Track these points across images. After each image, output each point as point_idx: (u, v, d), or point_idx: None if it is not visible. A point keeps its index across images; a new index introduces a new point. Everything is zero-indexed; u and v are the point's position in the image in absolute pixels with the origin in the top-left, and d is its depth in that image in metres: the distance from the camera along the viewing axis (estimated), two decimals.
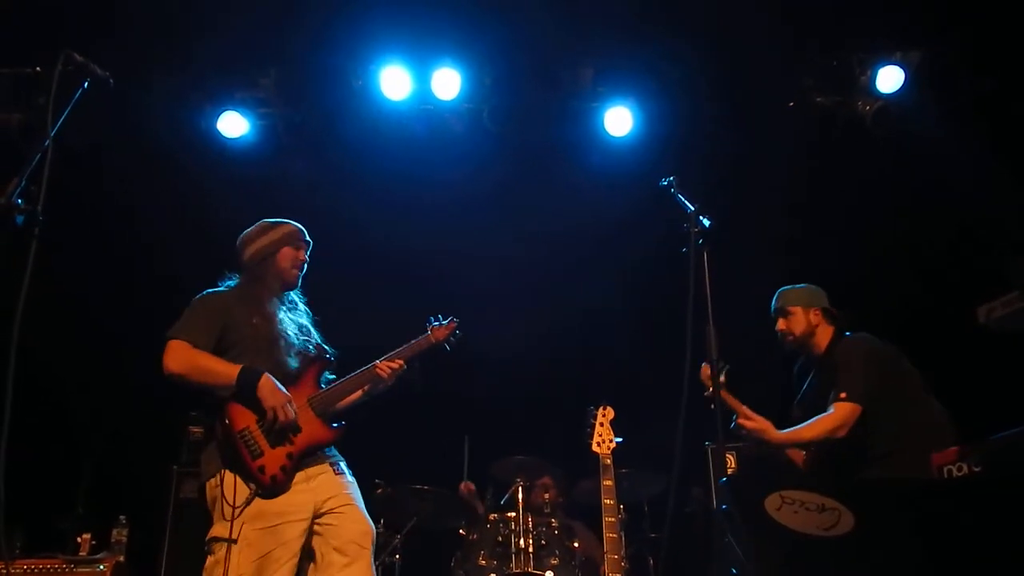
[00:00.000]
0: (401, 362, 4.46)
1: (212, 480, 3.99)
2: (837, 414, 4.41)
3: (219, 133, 6.88)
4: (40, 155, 2.95)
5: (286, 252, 4.45)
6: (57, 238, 3.15)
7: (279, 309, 4.35)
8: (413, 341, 4.61)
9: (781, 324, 4.92)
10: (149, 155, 6.79)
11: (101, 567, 5.70)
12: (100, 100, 3.26)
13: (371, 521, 4.14)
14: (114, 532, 6.04)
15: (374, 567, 4.05)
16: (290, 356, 4.23)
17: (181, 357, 4.04)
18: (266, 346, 4.18)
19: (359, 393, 4.47)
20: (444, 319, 4.75)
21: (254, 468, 3.92)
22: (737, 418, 4.50)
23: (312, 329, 4.51)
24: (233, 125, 6.89)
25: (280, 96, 6.87)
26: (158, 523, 6.15)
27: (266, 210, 6.97)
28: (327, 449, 4.23)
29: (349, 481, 4.20)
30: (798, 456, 4.85)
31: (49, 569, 5.64)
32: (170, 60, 6.49)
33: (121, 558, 5.89)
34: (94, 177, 6.47)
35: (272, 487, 3.93)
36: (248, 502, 3.89)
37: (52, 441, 6.82)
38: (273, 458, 3.97)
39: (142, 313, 7.12)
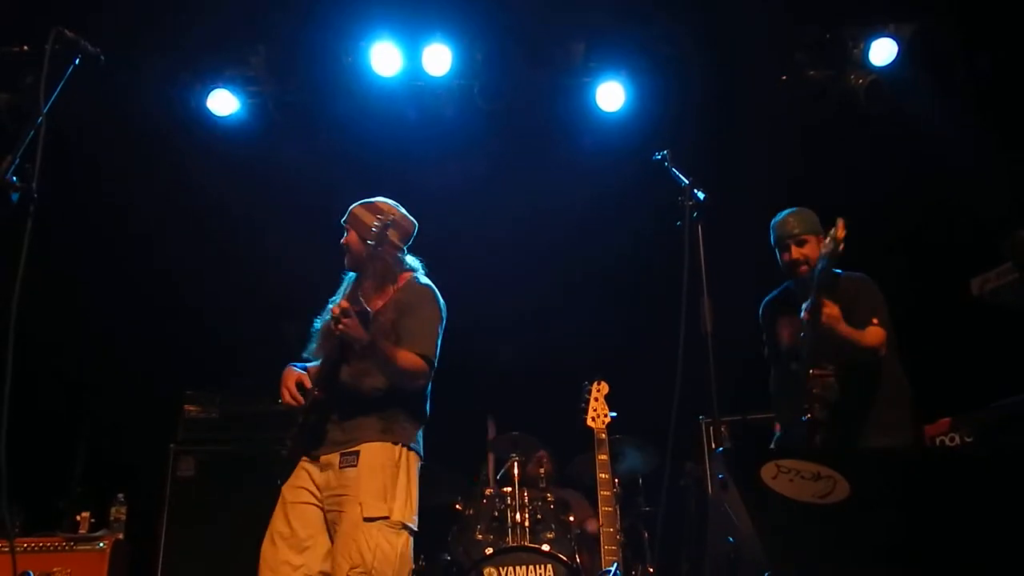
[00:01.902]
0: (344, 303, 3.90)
1: None
2: (878, 332, 4.41)
3: (209, 111, 6.85)
4: (33, 133, 2.95)
5: None
6: (49, 217, 3.14)
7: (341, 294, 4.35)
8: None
9: (796, 252, 4.66)
10: (139, 133, 6.78)
11: (101, 544, 5.75)
12: (90, 77, 3.26)
13: (364, 529, 3.92)
14: (112, 510, 6.08)
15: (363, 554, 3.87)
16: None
17: None
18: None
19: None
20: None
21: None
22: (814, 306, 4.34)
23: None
24: (223, 103, 6.85)
25: (270, 73, 6.82)
26: (156, 501, 6.17)
27: (257, 188, 7.02)
28: (355, 426, 4.11)
29: (352, 477, 4.00)
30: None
31: (49, 547, 5.69)
32: (159, 37, 6.44)
33: (120, 535, 5.94)
34: (84, 155, 6.44)
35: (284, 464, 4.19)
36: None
37: (50, 420, 6.82)
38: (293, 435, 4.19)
39: (136, 291, 7.15)
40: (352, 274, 4.38)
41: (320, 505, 4.05)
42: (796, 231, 4.67)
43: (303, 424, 4.12)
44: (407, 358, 4.06)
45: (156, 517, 6.11)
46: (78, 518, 5.99)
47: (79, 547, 5.73)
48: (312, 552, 3.99)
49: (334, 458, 4.06)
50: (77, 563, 5.65)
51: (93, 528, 5.98)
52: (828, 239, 4.30)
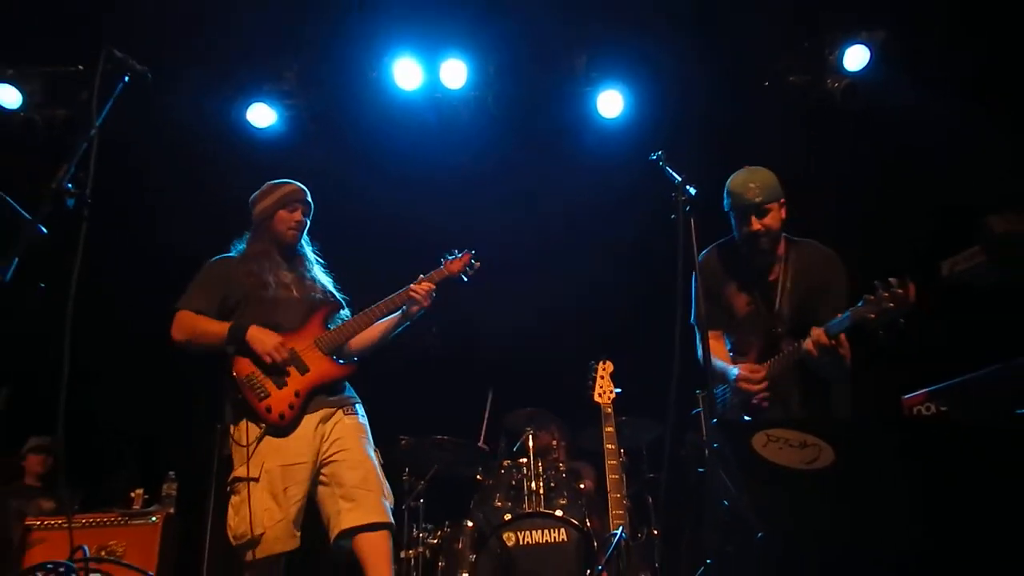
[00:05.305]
0: (430, 285, 4.35)
1: (232, 429, 4.05)
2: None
3: (249, 123, 6.86)
4: (86, 145, 2.96)
5: (282, 215, 4.37)
6: (99, 223, 3.14)
7: (282, 266, 4.28)
8: (430, 272, 4.46)
9: (756, 224, 4.02)
10: (182, 145, 6.79)
11: (153, 519, 5.73)
12: (139, 93, 3.26)
13: (374, 461, 4.06)
14: (164, 487, 6.07)
15: (386, 504, 3.97)
16: (292, 307, 4.18)
17: (182, 325, 4.10)
18: (266, 299, 4.13)
19: (377, 331, 4.37)
20: (458, 252, 4.57)
21: (261, 409, 3.96)
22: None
23: (323, 280, 4.44)
24: (262, 116, 6.87)
25: (303, 87, 6.85)
26: (204, 477, 6.17)
27: None
28: (342, 390, 4.19)
29: (359, 424, 4.14)
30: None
31: (106, 522, 5.67)
32: (201, 54, 6.45)
33: (171, 510, 5.92)
34: (129, 166, 6.44)
35: (280, 424, 3.96)
36: (259, 440, 3.95)
37: (105, 404, 6.84)
38: (280, 398, 3.99)
39: (180, 291, 7.15)
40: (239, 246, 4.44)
41: (315, 457, 4.02)
42: (758, 199, 4.01)
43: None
44: None
45: (204, 492, 6.12)
46: (132, 495, 6.00)
47: (133, 522, 5.71)
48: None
49: (336, 411, 4.14)
50: (131, 536, 5.62)
51: (146, 504, 5.98)
52: (888, 295, 3.50)
